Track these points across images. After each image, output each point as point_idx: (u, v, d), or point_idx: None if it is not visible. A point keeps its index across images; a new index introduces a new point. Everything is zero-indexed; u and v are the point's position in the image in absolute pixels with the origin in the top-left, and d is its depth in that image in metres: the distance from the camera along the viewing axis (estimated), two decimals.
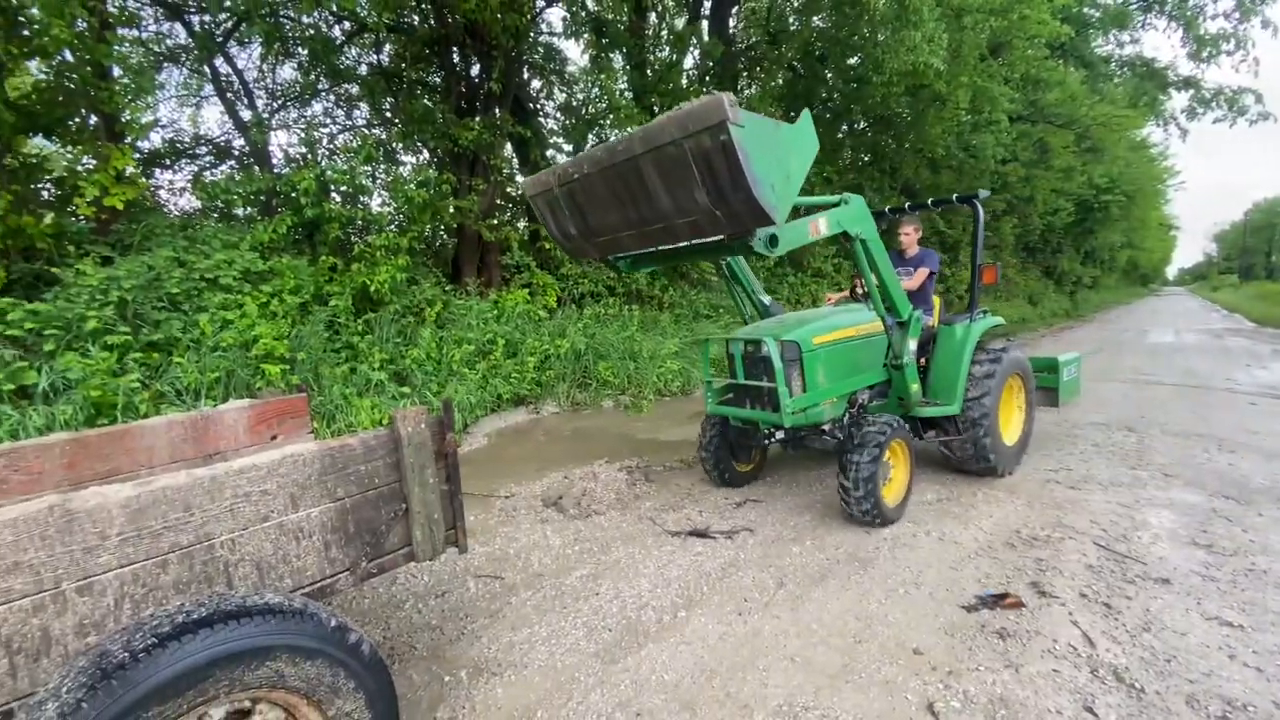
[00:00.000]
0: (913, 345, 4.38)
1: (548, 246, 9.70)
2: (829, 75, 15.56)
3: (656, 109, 11.20)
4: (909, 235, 5.22)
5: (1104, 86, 19.64)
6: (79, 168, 6.56)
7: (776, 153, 2.43)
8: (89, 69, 6.24)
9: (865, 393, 4.64)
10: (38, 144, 7.03)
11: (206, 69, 9.85)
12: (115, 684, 1.35)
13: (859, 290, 5.37)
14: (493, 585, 3.48)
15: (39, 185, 6.58)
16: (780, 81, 15.42)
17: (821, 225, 3.28)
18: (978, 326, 4.78)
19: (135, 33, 8.97)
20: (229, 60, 9.97)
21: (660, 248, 3.19)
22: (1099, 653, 2.66)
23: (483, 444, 6.54)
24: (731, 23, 14.62)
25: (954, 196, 4.94)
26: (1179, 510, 4.21)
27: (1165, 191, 42.22)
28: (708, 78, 13.70)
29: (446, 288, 8.55)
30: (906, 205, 5.18)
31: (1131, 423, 6.61)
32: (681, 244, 3.04)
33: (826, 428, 4.40)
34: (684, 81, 12.72)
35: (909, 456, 4.20)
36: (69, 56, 6.16)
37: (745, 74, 14.90)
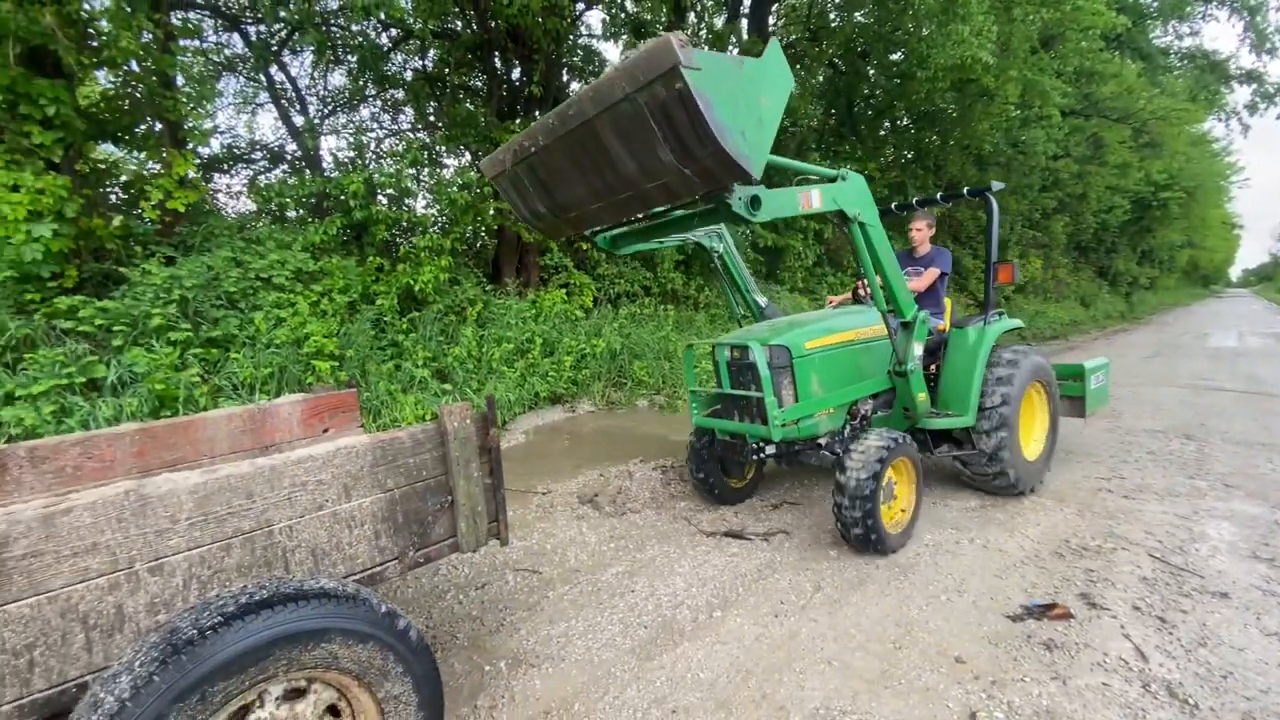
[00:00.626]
0: (918, 350, 3.96)
1: (584, 247, 9.79)
2: (871, 72, 15.30)
3: None
4: (920, 232, 4.82)
5: (1163, 79, 18.81)
6: (145, 173, 6.91)
7: (743, 94, 2.15)
8: (154, 78, 6.58)
9: (868, 403, 4.27)
10: (106, 150, 7.43)
11: (262, 77, 10.31)
12: (185, 659, 1.43)
13: (861, 292, 5.03)
14: (531, 579, 3.54)
15: (108, 189, 6.97)
16: (821, 79, 15.22)
17: (815, 198, 2.92)
18: (993, 329, 4.40)
19: (197, 43, 9.40)
20: (283, 68, 10.41)
21: (638, 219, 2.96)
22: (1151, 667, 2.57)
23: (520, 441, 6.65)
24: (771, 20, 14.50)
25: (965, 190, 4.56)
26: (1239, 522, 4.02)
27: (1228, 188, 40.22)
28: None
29: (487, 288, 8.71)
30: (914, 200, 4.83)
31: (1190, 430, 6.33)
32: (658, 212, 2.83)
33: (823, 441, 4.02)
34: None
35: (915, 476, 3.84)
36: (135, 67, 6.49)
37: None
